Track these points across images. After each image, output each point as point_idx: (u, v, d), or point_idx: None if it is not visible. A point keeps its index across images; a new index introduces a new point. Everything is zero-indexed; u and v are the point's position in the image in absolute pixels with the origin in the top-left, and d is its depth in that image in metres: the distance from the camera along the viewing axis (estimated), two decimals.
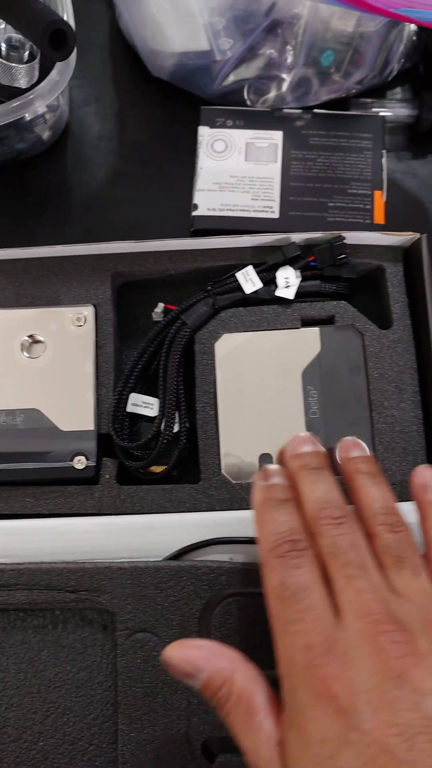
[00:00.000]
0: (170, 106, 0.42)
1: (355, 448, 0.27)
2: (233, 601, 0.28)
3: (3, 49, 0.32)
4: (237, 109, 0.39)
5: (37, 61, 0.33)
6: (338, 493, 0.24)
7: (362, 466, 0.26)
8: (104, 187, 0.41)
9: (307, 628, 0.21)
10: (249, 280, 0.32)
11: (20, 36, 0.32)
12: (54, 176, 0.41)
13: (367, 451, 0.27)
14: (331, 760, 0.20)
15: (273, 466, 0.26)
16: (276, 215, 0.37)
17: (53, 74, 0.33)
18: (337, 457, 0.27)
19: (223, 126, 0.38)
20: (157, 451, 0.31)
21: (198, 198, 0.37)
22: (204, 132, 0.38)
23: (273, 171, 0.37)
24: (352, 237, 0.33)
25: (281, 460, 0.26)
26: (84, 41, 0.44)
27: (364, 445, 0.27)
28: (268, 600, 0.23)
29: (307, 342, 0.32)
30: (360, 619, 0.21)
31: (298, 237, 0.33)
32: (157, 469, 0.32)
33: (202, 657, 0.23)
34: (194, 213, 0.37)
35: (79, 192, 0.41)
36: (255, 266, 0.32)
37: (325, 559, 0.23)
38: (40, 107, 0.34)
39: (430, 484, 0.26)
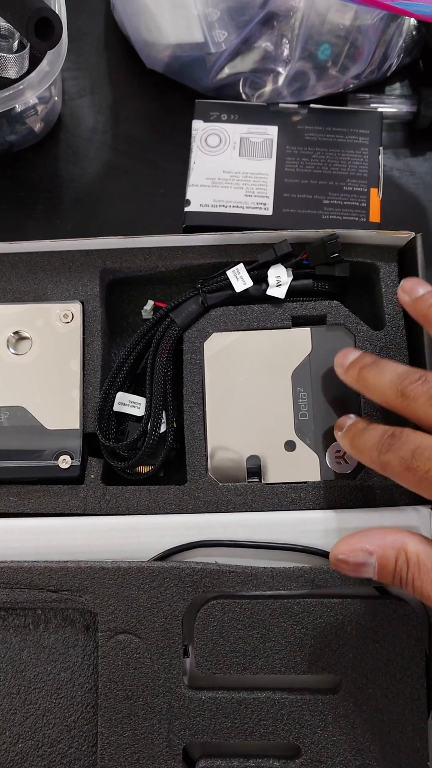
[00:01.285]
0: (165, 99, 0.41)
1: (419, 286, 0.28)
2: (217, 604, 0.27)
3: None
4: (232, 102, 0.38)
5: (26, 51, 0.33)
6: (402, 365, 0.26)
7: (365, 360, 0.27)
8: (97, 181, 0.41)
9: None
10: (240, 278, 0.32)
11: (9, 25, 0.31)
12: (46, 169, 0.41)
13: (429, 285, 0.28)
14: None
15: (340, 419, 0.28)
16: (270, 212, 0.36)
17: (44, 64, 0.33)
18: (402, 300, 0.28)
19: (218, 120, 0.38)
20: (143, 451, 0.30)
21: (191, 193, 0.36)
22: (198, 126, 0.38)
23: (267, 167, 0.37)
24: (346, 235, 0.32)
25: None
26: (78, 32, 0.43)
27: (424, 282, 0.28)
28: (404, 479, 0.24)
29: (298, 342, 0.31)
30: None
31: (290, 235, 0.32)
32: (144, 469, 0.31)
33: (368, 540, 0.24)
34: (187, 209, 0.36)
35: (72, 186, 0.41)
36: (246, 264, 0.32)
37: (427, 412, 0.24)
38: (30, 98, 0.34)
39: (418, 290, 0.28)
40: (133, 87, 0.42)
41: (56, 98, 0.39)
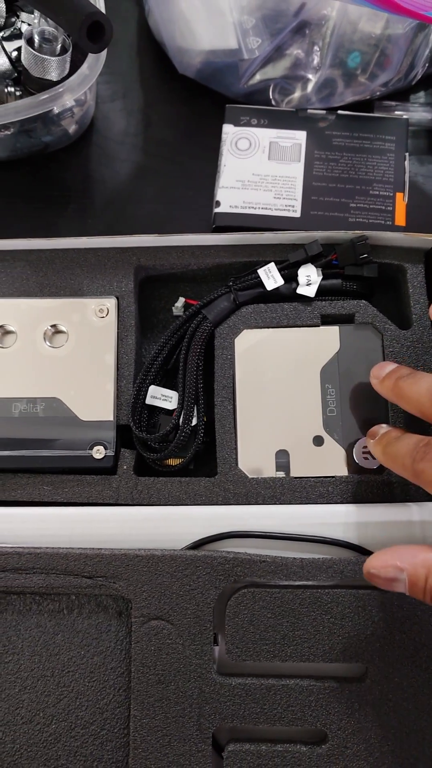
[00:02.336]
0: (195, 104, 0.42)
1: (385, 367, 0.29)
2: (248, 592, 0.28)
3: (36, 41, 0.33)
4: (262, 108, 0.39)
5: (68, 54, 0.34)
6: None
7: (402, 372, 0.28)
8: (128, 183, 0.42)
9: None
10: (271, 277, 0.32)
11: (53, 29, 0.33)
12: (78, 170, 0.42)
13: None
14: None
15: (373, 428, 0.29)
16: (297, 214, 0.37)
17: (83, 68, 0.34)
18: (372, 382, 0.30)
19: (248, 125, 0.39)
20: (175, 443, 0.31)
21: (221, 195, 0.37)
22: (228, 130, 0.39)
23: (296, 170, 0.38)
24: (374, 237, 0.33)
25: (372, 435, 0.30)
26: (112, 38, 0.44)
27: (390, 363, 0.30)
28: None
29: (326, 340, 0.32)
30: None
31: (320, 235, 0.33)
32: (174, 462, 0.32)
33: (399, 557, 0.24)
34: (216, 210, 0.37)
35: (103, 186, 0.42)
36: (277, 263, 0.33)
37: None
38: (68, 101, 0.35)
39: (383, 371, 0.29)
40: (164, 92, 0.43)
41: (91, 102, 0.40)
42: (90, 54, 0.34)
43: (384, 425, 0.29)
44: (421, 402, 0.27)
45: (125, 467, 0.32)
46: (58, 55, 0.34)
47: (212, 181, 0.41)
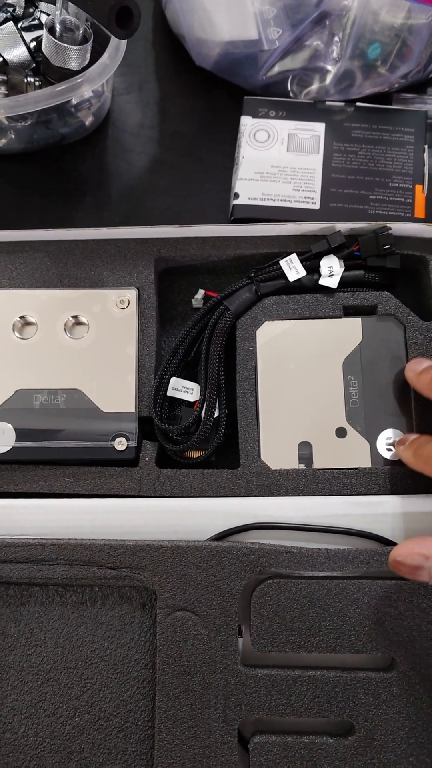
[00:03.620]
0: (211, 96, 0.42)
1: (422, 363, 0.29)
2: (273, 583, 0.28)
3: (57, 30, 0.33)
4: (280, 100, 0.39)
5: (89, 44, 0.34)
6: None
7: None
8: (143, 175, 0.42)
9: None
10: (293, 268, 0.32)
11: (74, 18, 0.32)
12: (94, 162, 0.42)
13: None
14: None
15: (403, 436, 0.30)
16: (317, 206, 0.37)
17: (104, 57, 0.34)
18: (409, 376, 0.30)
19: (266, 116, 0.39)
20: (197, 436, 0.31)
21: (239, 187, 0.37)
22: (246, 122, 0.39)
23: (315, 162, 0.38)
24: (396, 228, 0.33)
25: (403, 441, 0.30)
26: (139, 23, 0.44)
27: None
28: None
29: (348, 331, 0.32)
30: None
31: (342, 226, 0.33)
32: (195, 454, 0.32)
33: (425, 546, 0.25)
34: (235, 202, 0.37)
35: (119, 179, 0.41)
36: (298, 254, 0.33)
37: None
38: (88, 91, 0.35)
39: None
40: (179, 84, 0.43)
41: (107, 93, 0.40)
42: (110, 44, 0.34)
43: (413, 434, 0.30)
44: None
45: (147, 459, 0.31)
46: (79, 44, 0.33)
47: (228, 173, 0.41)
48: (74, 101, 0.37)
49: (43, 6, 0.37)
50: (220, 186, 0.40)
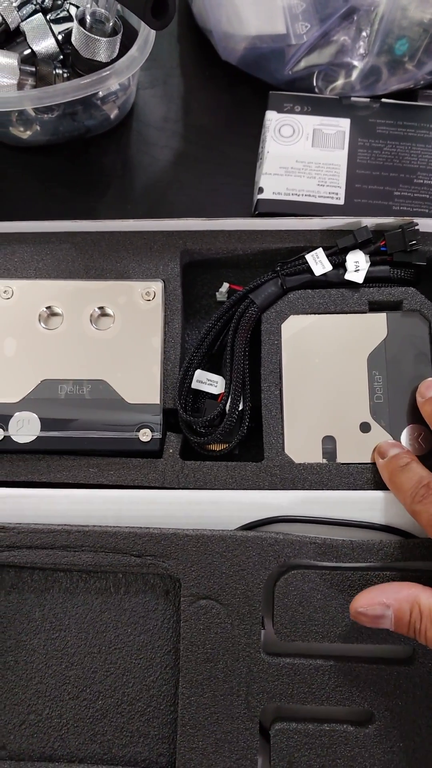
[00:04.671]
0: (236, 91, 0.42)
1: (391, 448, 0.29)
2: (297, 573, 0.28)
3: (88, 21, 0.33)
4: (305, 95, 0.39)
5: (119, 36, 0.34)
6: (429, 473, 0.28)
7: None
8: (167, 169, 0.42)
9: None
10: (319, 263, 0.33)
11: (105, 11, 0.33)
12: (118, 155, 0.42)
13: None
14: None
15: (384, 443, 0.30)
16: (341, 202, 0.37)
17: (133, 50, 0.34)
18: (417, 399, 0.30)
19: (291, 111, 0.39)
20: (222, 429, 0.31)
21: (264, 181, 0.37)
22: (271, 116, 0.39)
23: (339, 158, 0.38)
24: (422, 224, 0.33)
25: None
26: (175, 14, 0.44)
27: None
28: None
29: (373, 327, 0.32)
30: None
31: (368, 221, 0.33)
32: (219, 447, 0.32)
33: (385, 594, 0.25)
34: (259, 196, 0.37)
35: (142, 172, 0.42)
36: (324, 249, 0.33)
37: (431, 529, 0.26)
38: (117, 83, 0.35)
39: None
40: (204, 79, 0.43)
41: (133, 87, 0.40)
42: (139, 36, 0.34)
43: (393, 443, 0.30)
44: None
45: (171, 451, 0.32)
46: (109, 36, 0.34)
47: (252, 168, 0.41)
48: (101, 94, 0.37)
49: None
50: (243, 180, 0.40)
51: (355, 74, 0.38)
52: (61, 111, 0.37)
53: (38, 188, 0.41)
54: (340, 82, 0.39)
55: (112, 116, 0.40)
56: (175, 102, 0.43)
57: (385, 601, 0.25)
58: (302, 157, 0.38)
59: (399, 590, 0.25)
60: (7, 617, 0.30)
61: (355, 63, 0.37)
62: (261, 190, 0.37)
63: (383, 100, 0.39)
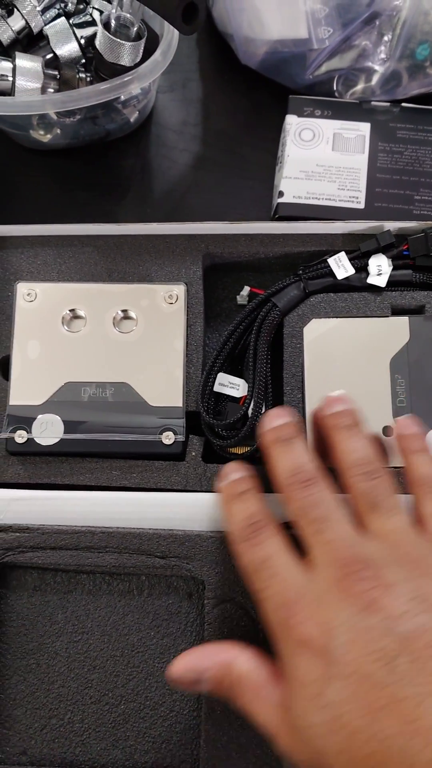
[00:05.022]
0: (254, 95, 0.43)
1: (336, 404, 0.28)
2: None
3: (113, 25, 0.33)
4: (325, 99, 0.39)
5: (143, 41, 0.34)
6: (307, 457, 0.26)
7: (340, 420, 0.28)
8: (186, 172, 0.42)
9: (277, 590, 0.23)
10: (341, 266, 0.33)
11: (130, 15, 0.33)
12: (137, 159, 0.42)
13: (350, 404, 0.28)
14: (318, 698, 0.21)
15: (228, 465, 0.28)
16: (362, 206, 0.37)
17: (156, 54, 0.34)
18: (320, 415, 0.29)
19: (311, 115, 0.39)
20: (244, 432, 0.31)
21: (284, 185, 0.38)
22: (291, 120, 0.39)
23: (360, 162, 0.38)
24: None
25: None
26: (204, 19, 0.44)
27: (347, 398, 0.28)
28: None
29: (396, 330, 0.32)
30: (328, 567, 0.23)
31: (391, 225, 0.33)
32: (241, 450, 0.32)
33: (200, 659, 0.24)
34: (280, 200, 0.37)
35: (161, 176, 0.42)
36: (347, 253, 0.33)
37: (296, 523, 0.25)
38: (139, 87, 0.35)
39: (407, 432, 0.28)
40: (223, 82, 0.43)
41: (153, 91, 0.41)
42: (163, 41, 0.34)
43: (240, 469, 0.27)
44: (279, 480, 0.26)
45: (193, 454, 0.32)
46: (133, 40, 0.34)
47: (271, 172, 0.41)
48: (122, 98, 0.37)
49: (95, 2, 0.37)
50: (262, 184, 0.41)
51: (375, 79, 0.38)
52: (83, 115, 0.37)
53: (58, 191, 0.41)
54: (360, 86, 0.39)
55: (132, 120, 0.41)
56: (194, 106, 0.43)
57: (199, 667, 0.24)
58: (322, 160, 0.38)
59: (216, 654, 0.24)
60: (30, 619, 0.30)
61: (376, 67, 0.37)
62: (281, 193, 0.38)
63: (403, 104, 0.39)
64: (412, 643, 0.20)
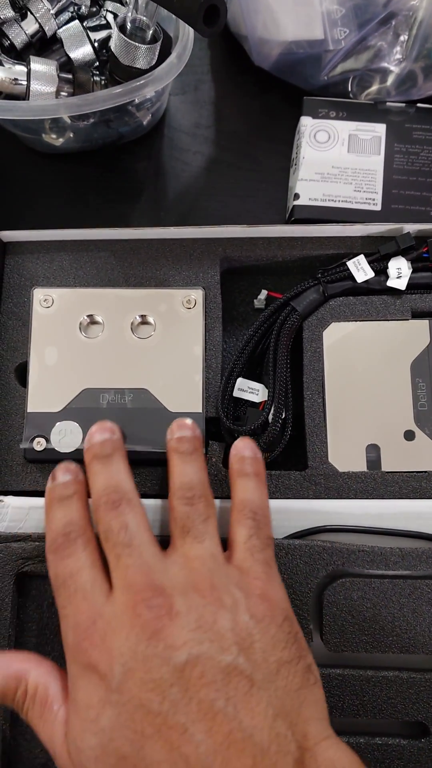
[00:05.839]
0: (267, 97, 0.42)
1: (181, 429, 0.29)
2: (346, 582, 0.28)
3: (128, 28, 0.33)
4: (340, 100, 0.39)
5: (158, 43, 0.34)
6: (122, 477, 0.26)
7: (180, 445, 0.28)
8: (199, 175, 0.42)
9: (76, 609, 0.23)
10: (360, 269, 0.32)
11: (145, 17, 0.32)
12: (150, 162, 0.42)
13: (195, 430, 0.28)
14: (94, 722, 0.21)
15: (62, 464, 0.27)
16: (378, 208, 0.37)
17: (172, 57, 0.34)
18: (167, 437, 0.29)
19: (326, 117, 0.39)
20: (265, 438, 0.31)
21: (300, 187, 0.37)
22: (306, 122, 0.39)
23: (376, 163, 0.37)
24: None
25: None
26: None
27: (191, 424, 0.29)
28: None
29: (416, 334, 0.32)
30: (125, 592, 0.23)
31: (410, 227, 0.33)
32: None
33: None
34: (295, 202, 0.37)
35: (175, 179, 0.42)
36: (366, 256, 0.33)
37: (102, 544, 0.25)
38: (155, 90, 0.35)
39: (241, 454, 0.28)
40: (236, 84, 0.43)
41: (166, 93, 0.40)
42: (178, 44, 0.34)
43: (66, 468, 0.27)
44: (93, 498, 0.26)
45: (213, 460, 0.32)
46: (148, 43, 0.33)
47: (285, 174, 0.41)
48: (137, 101, 0.37)
49: (108, 5, 0.37)
50: (276, 187, 0.40)
51: (390, 79, 0.38)
52: (97, 118, 0.37)
53: (70, 195, 0.41)
54: (375, 87, 0.39)
55: (145, 123, 0.40)
56: (207, 108, 0.43)
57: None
58: (338, 162, 0.38)
59: (10, 664, 0.24)
60: (50, 628, 0.30)
61: (392, 68, 0.37)
62: (297, 196, 0.37)
63: (419, 104, 0.38)
64: (187, 673, 0.21)
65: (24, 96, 0.35)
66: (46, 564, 0.25)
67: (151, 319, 0.33)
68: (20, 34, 0.36)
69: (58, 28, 0.36)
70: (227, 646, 0.21)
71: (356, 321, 0.32)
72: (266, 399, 0.32)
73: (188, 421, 0.29)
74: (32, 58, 0.34)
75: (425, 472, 0.30)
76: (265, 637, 0.22)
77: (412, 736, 0.27)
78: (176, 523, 0.25)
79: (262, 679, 0.21)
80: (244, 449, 0.28)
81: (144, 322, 0.33)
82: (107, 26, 0.37)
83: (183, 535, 0.25)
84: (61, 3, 0.36)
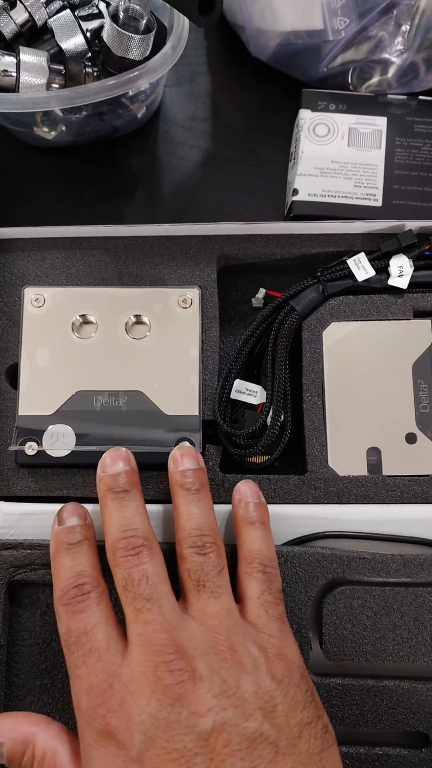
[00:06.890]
0: (264, 89, 0.41)
1: (185, 459, 0.27)
2: (346, 589, 0.27)
3: (121, 18, 0.32)
4: (340, 93, 0.38)
5: (152, 34, 0.33)
6: (141, 519, 0.25)
7: (185, 480, 0.26)
8: (196, 169, 0.41)
9: (90, 670, 0.22)
10: (361, 268, 0.31)
11: (138, 7, 0.31)
12: (145, 156, 0.41)
13: (200, 461, 0.27)
14: None
15: (68, 506, 0.26)
16: (379, 203, 0.36)
17: (167, 48, 0.33)
18: (170, 469, 0.27)
19: (326, 110, 0.38)
20: (264, 441, 0.30)
21: (299, 182, 0.36)
22: (305, 115, 0.38)
23: (376, 158, 0.36)
24: None
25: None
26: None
27: (195, 453, 0.27)
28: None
29: (418, 334, 0.31)
30: (143, 651, 0.22)
31: (412, 224, 0.32)
32: (258, 459, 0.31)
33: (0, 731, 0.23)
34: (294, 198, 0.36)
35: (170, 173, 0.41)
36: (367, 253, 0.32)
37: (119, 593, 0.23)
38: (149, 81, 0.34)
39: (246, 500, 0.27)
40: (232, 76, 0.42)
41: (161, 85, 0.39)
42: (173, 34, 0.33)
43: (73, 510, 0.26)
44: (108, 540, 0.25)
45: (211, 464, 0.31)
46: (142, 33, 0.32)
47: (283, 169, 0.40)
48: (130, 93, 0.36)
49: None
50: (274, 181, 0.39)
51: (391, 71, 0.37)
52: (90, 111, 0.36)
53: (63, 191, 0.40)
54: (375, 79, 0.37)
55: (139, 116, 0.39)
56: (203, 100, 0.42)
57: None
58: (338, 157, 0.37)
59: (18, 726, 0.23)
60: (43, 638, 0.29)
61: (393, 59, 0.36)
62: (296, 191, 0.36)
63: (421, 97, 0.37)
64: (212, 741, 0.20)
65: (14, 88, 0.34)
66: (56, 616, 0.24)
67: (145, 319, 0.32)
68: (9, 23, 0.34)
69: (49, 17, 0.35)
70: (251, 712, 0.21)
71: (357, 321, 0.32)
72: (264, 401, 0.31)
73: (192, 449, 0.28)
74: (22, 48, 0.33)
75: (427, 476, 0.30)
76: (286, 698, 0.21)
77: (413, 746, 0.27)
78: (190, 576, 0.24)
79: (285, 745, 0.20)
80: (247, 494, 0.27)
81: (138, 322, 0.32)
82: (99, 15, 0.35)
83: (198, 589, 0.24)
84: None
